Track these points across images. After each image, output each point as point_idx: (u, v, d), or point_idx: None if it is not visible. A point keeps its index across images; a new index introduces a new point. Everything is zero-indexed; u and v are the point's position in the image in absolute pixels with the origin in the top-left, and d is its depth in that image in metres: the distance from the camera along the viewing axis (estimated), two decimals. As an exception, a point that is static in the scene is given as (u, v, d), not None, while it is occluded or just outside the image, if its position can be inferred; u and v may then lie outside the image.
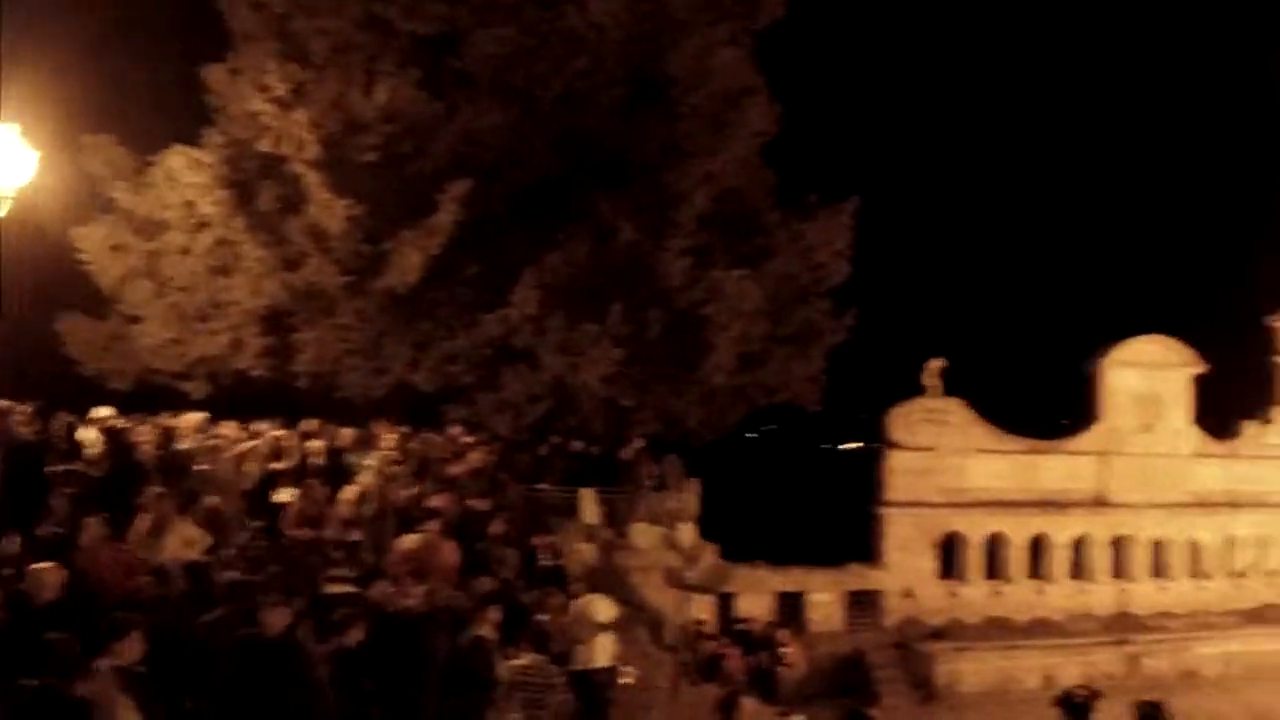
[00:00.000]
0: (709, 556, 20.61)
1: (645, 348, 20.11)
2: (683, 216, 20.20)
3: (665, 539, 19.64)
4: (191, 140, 20.04)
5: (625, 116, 20.43)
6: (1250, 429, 27.11)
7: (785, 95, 21.67)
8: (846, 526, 24.63)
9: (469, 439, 18.30)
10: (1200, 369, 25.84)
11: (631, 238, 20.00)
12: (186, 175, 19.46)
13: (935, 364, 23.40)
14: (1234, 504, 26.21)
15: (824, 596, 22.35)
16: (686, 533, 20.23)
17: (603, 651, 12.01)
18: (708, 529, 20.85)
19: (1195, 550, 25.91)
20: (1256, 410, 27.49)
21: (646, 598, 18.67)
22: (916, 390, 23.53)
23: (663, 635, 18.03)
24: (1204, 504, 25.85)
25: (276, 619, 7.60)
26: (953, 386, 23.78)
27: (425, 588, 10.10)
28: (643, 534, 19.39)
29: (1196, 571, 25.87)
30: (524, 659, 9.67)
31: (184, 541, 10.16)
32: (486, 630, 9.36)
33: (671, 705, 14.15)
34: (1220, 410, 27.02)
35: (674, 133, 20.45)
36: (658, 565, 19.23)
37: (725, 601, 21.32)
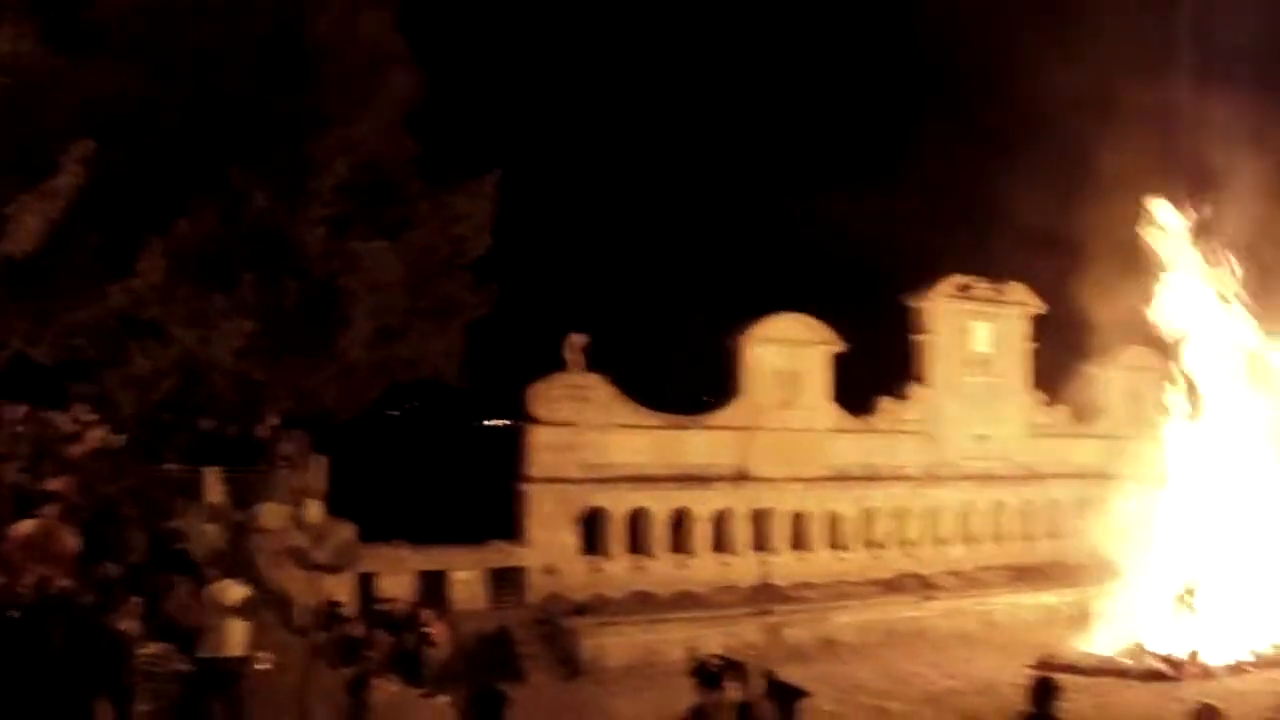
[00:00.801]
0: (340, 535, 22.34)
1: (279, 321, 22.17)
2: (321, 185, 22.49)
3: (294, 518, 21.60)
4: None
5: (263, 81, 22.32)
6: (887, 405, 32.74)
7: (429, 64, 24.54)
8: (491, 504, 27.86)
9: (92, 417, 19.37)
10: (839, 347, 31.04)
11: (266, 206, 22.18)
12: None
13: (577, 339, 26.97)
14: (871, 477, 31.72)
15: (466, 575, 25.48)
16: (314, 511, 22.31)
17: (233, 637, 12.86)
18: (348, 508, 23.04)
19: (834, 522, 31.08)
20: (895, 387, 33.23)
21: (276, 580, 20.28)
22: (559, 366, 27.09)
23: (293, 618, 19.41)
24: (842, 477, 31.11)
25: None
26: (595, 362, 27.52)
27: (38, 575, 10.18)
28: (271, 514, 21.26)
29: (835, 543, 31.05)
30: (151, 648, 10.52)
31: None
32: (129, 623, 10.05)
33: (305, 690, 14.89)
34: (860, 387, 32.46)
35: (313, 99, 22.59)
36: (286, 546, 20.78)
37: (366, 582, 23.74)
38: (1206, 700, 7.79)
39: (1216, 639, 25.82)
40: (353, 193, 23.39)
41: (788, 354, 30.50)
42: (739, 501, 29.49)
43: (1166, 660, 25.17)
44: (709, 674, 9.57)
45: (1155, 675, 24.56)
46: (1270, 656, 25.88)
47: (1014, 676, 24.15)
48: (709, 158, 44.30)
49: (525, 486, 26.78)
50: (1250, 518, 27.81)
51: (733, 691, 9.48)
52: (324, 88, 23.01)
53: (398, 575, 24.56)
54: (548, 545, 26.71)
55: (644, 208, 41.96)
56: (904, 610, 29.64)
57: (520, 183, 26.86)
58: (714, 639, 25.04)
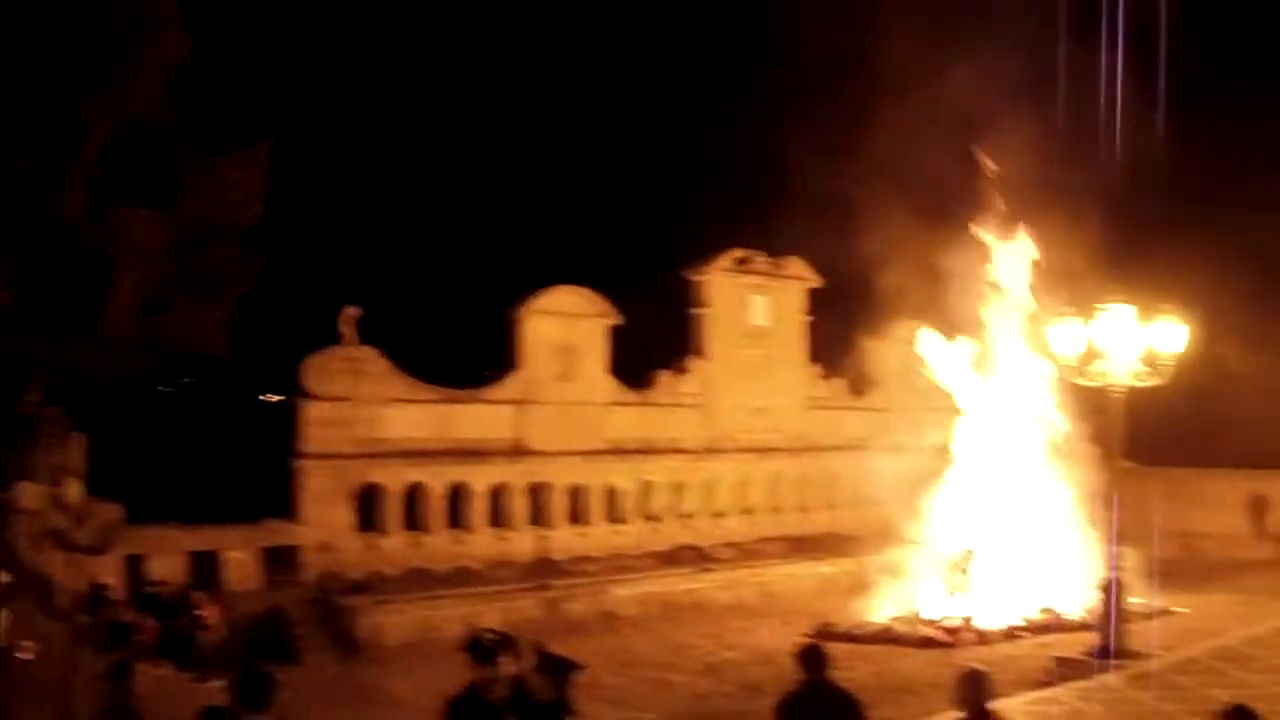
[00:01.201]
0: (103, 516, 22.80)
1: (40, 291, 22.79)
2: (84, 151, 23.11)
3: (54, 499, 21.77)
4: None
5: (23, 42, 22.76)
6: (665, 378, 35.08)
7: (200, 28, 25.00)
8: (266, 481, 28.89)
9: None
10: (616, 320, 33.17)
11: (25, 171, 22.77)
12: None
13: (351, 312, 28.14)
14: (649, 450, 34.03)
15: (240, 554, 26.47)
16: (73, 491, 22.37)
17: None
18: (117, 488, 23.37)
19: (612, 496, 33.23)
20: (673, 361, 35.57)
21: (36, 564, 20.75)
22: (335, 339, 28.32)
23: (55, 603, 19.97)
24: (620, 451, 33.30)
25: None
26: (372, 336, 28.84)
27: None
28: (29, 494, 21.31)
29: (613, 516, 33.22)
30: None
31: None
32: None
33: (68, 678, 15.21)
34: (639, 360, 34.60)
35: (78, 61, 22.99)
36: (46, 528, 21.27)
37: (134, 565, 24.37)
38: (974, 665, 8.89)
39: (990, 606, 27.83)
40: (119, 159, 23.75)
41: (565, 327, 32.43)
42: (516, 476, 31.25)
43: (941, 627, 26.97)
44: (482, 649, 9.71)
45: (931, 642, 26.21)
46: (1040, 622, 27.76)
47: (792, 646, 25.85)
48: (486, 129, 45.69)
49: (299, 462, 27.86)
50: (1023, 488, 30.16)
51: (507, 666, 9.74)
52: (89, 50, 23.33)
53: (168, 556, 25.21)
54: (323, 522, 27.85)
55: (419, 179, 43.08)
56: (682, 582, 31.68)
57: (293, 152, 27.85)
58: (492, 615, 26.03)
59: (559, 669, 9.44)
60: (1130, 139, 30.65)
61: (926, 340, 33.19)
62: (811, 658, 9.88)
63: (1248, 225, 37.55)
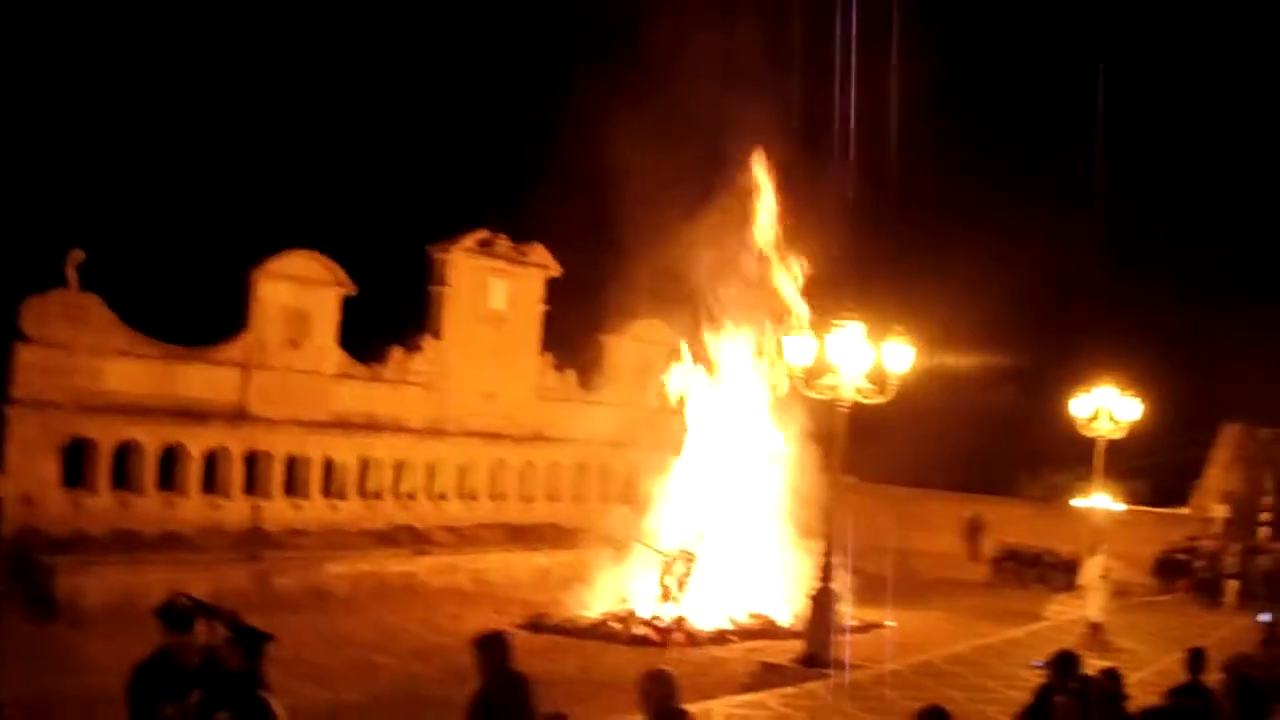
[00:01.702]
0: None
1: None
2: None
3: None
4: None
5: None
6: (397, 355, 36.05)
7: None
8: None
9: None
10: (351, 290, 33.89)
11: None
12: None
13: (76, 255, 28.05)
14: (374, 426, 34.93)
15: None
16: None
17: None
18: None
19: (332, 470, 34.01)
20: (407, 337, 36.66)
21: None
22: (57, 282, 28.28)
23: None
24: (344, 424, 34.10)
25: None
26: (98, 284, 28.91)
27: None
28: None
29: (332, 491, 34.00)
30: None
31: None
32: None
33: None
34: (372, 333, 35.56)
35: None
36: None
37: None
38: (659, 666, 9.19)
39: (704, 608, 29.37)
40: None
41: (298, 292, 33.03)
42: (235, 441, 31.68)
43: (654, 626, 28.40)
44: (177, 615, 9.54)
45: (642, 640, 27.65)
46: (752, 627, 29.44)
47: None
48: (241, 82, 45.92)
49: (7, 409, 27.71)
50: (745, 495, 32.05)
51: (201, 634, 9.55)
52: None
53: None
54: (27, 474, 27.75)
55: (165, 126, 43.02)
56: (397, 564, 32.83)
57: (22, 85, 28.10)
58: (200, 583, 25.14)
59: (251, 640, 9.32)
60: (869, 170, 33.48)
61: (663, 340, 35.28)
62: (491, 647, 10.30)
63: (980, 258, 41.04)
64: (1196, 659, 12.60)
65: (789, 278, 32.44)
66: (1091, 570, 30.44)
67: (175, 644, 9.41)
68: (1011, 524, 45.60)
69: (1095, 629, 28.33)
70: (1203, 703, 11.66)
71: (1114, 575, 33.08)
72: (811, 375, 24.02)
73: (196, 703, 8.91)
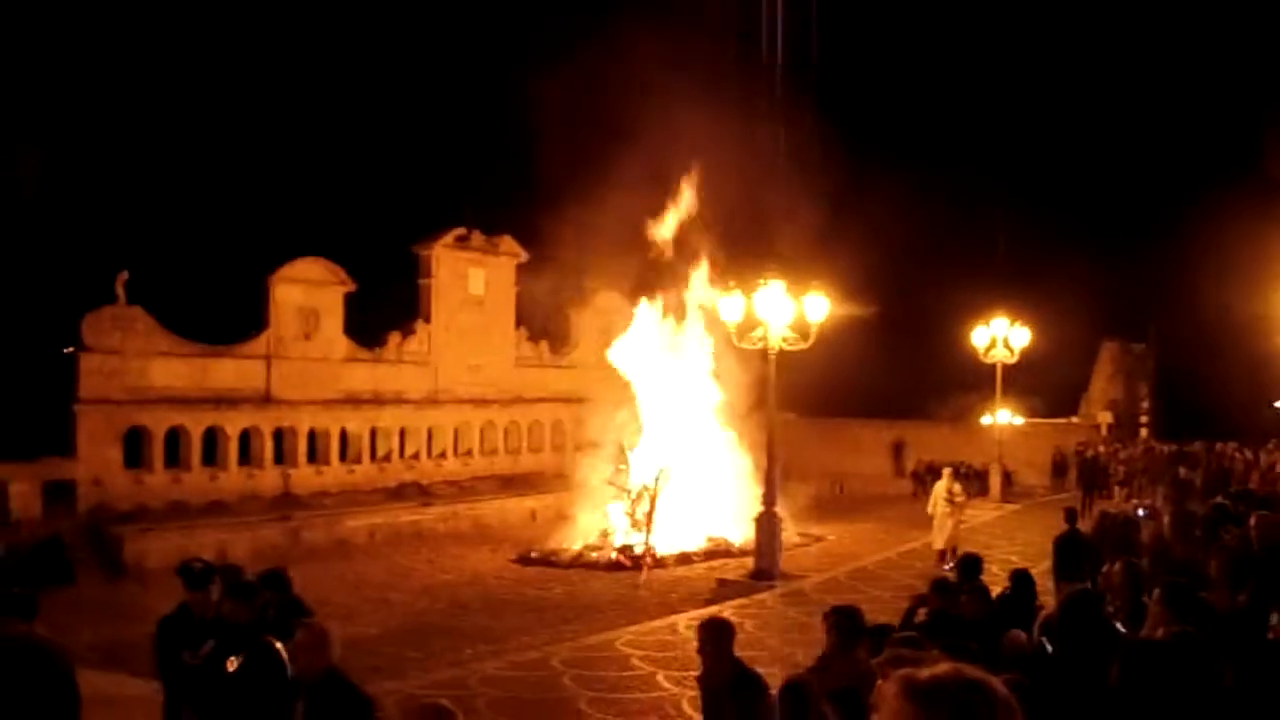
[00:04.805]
0: None
1: None
2: None
3: None
4: None
5: None
6: (395, 339, 38.82)
7: None
8: (48, 424, 31.14)
9: None
10: (352, 287, 36.66)
11: None
12: None
13: (123, 275, 30.91)
14: (379, 401, 37.72)
15: (22, 486, 28.92)
16: None
17: None
18: None
19: (346, 439, 36.73)
20: (402, 324, 39.38)
21: None
22: (108, 299, 30.97)
23: None
24: (354, 400, 36.88)
25: None
26: (140, 296, 31.57)
27: None
28: None
29: (348, 457, 36.71)
30: None
31: None
32: None
33: None
34: (372, 322, 38.31)
35: None
36: None
37: None
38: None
39: (668, 535, 30.26)
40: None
41: (308, 292, 35.79)
42: (264, 421, 34.39)
43: (627, 554, 29.28)
44: (193, 575, 9.67)
45: (618, 566, 28.57)
46: (710, 549, 30.40)
47: (499, 569, 28.78)
48: (244, 114, 47.87)
49: (76, 407, 30.45)
50: (697, 435, 33.44)
51: (215, 592, 9.67)
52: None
53: (-46, 490, 27.40)
54: (95, 460, 30.43)
55: (187, 160, 45.10)
56: (407, 515, 35.04)
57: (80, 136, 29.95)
58: (241, 542, 29.00)
59: (247, 594, 9.43)
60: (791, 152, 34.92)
61: (620, 310, 36.68)
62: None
63: (887, 215, 42.99)
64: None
65: (721, 248, 34.38)
66: (938, 496, 25.88)
67: (193, 600, 9.60)
68: (930, 443, 47.21)
69: (942, 557, 24.17)
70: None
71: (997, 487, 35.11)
72: (743, 329, 24.31)
73: (210, 651, 8.96)
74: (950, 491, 25.58)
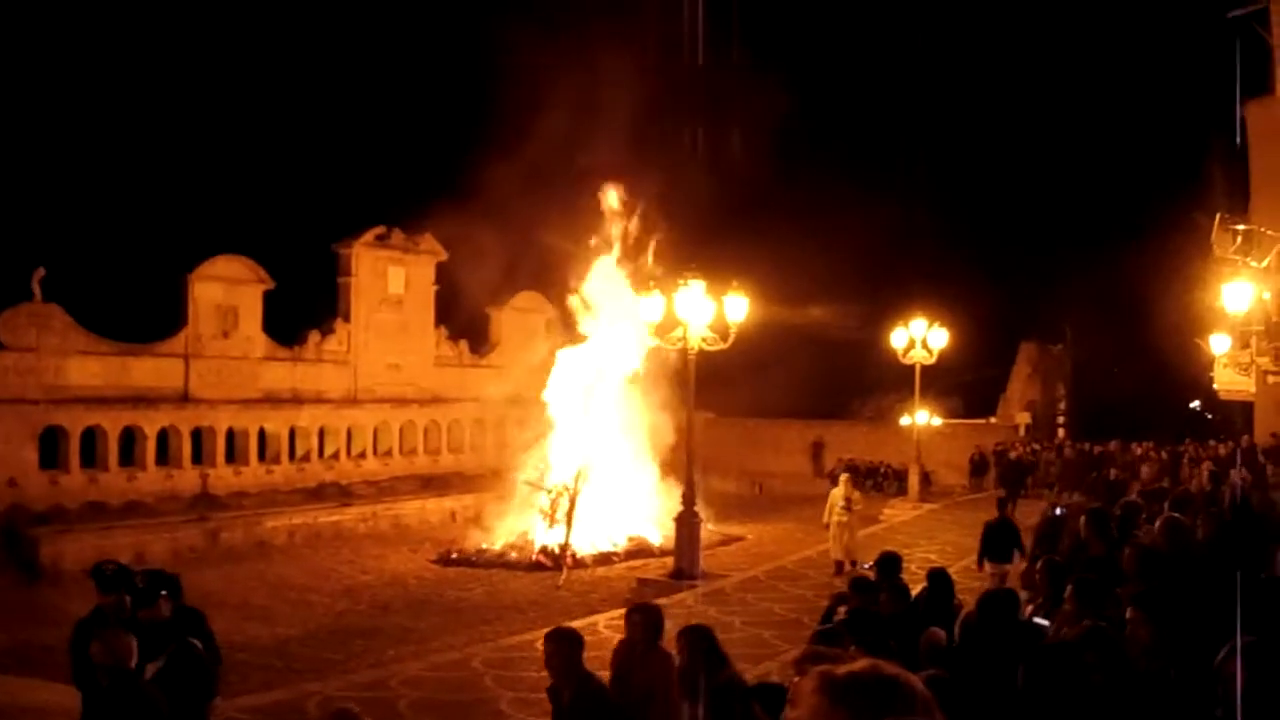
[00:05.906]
0: None
1: None
2: None
3: None
4: None
5: None
6: (314, 337, 38.94)
7: None
8: None
9: None
10: (270, 285, 36.71)
11: None
12: None
13: (39, 272, 30.80)
14: (298, 400, 37.81)
15: None
16: None
17: None
18: None
19: (265, 439, 36.78)
20: (321, 322, 39.53)
21: None
22: (25, 296, 30.80)
23: None
24: (273, 400, 36.94)
25: None
26: (57, 294, 31.48)
27: None
28: None
29: (267, 457, 36.77)
30: None
31: None
32: None
33: None
34: (291, 320, 38.45)
35: None
36: None
37: None
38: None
39: (588, 535, 30.31)
40: None
41: (227, 290, 35.83)
42: (182, 421, 34.39)
43: (547, 554, 29.26)
44: (105, 578, 9.51)
45: (538, 566, 28.59)
46: (630, 549, 30.39)
47: (419, 570, 28.67)
48: (170, 109, 47.73)
49: None
50: (617, 435, 33.42)
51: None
52: None
53: None
54: (10, 460, 30.26)
55: (112, 155, 44.88)
56: (326, 515, 35.10)
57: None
58: (159, 543, 28.95)
59: (149, 592, 9.36)
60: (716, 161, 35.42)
61: (540, 309, 37.06)
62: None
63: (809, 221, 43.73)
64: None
65: (641, 249, 34.55)
66: (833, 503, 24.14)
67: (108, 603, 9.43)
68: (850, 443, 47.98)
69: (839, 568, 22.83)
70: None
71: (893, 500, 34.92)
72: (662, 329, 24.19)
73: None
74: (848, 499, 24.09)
